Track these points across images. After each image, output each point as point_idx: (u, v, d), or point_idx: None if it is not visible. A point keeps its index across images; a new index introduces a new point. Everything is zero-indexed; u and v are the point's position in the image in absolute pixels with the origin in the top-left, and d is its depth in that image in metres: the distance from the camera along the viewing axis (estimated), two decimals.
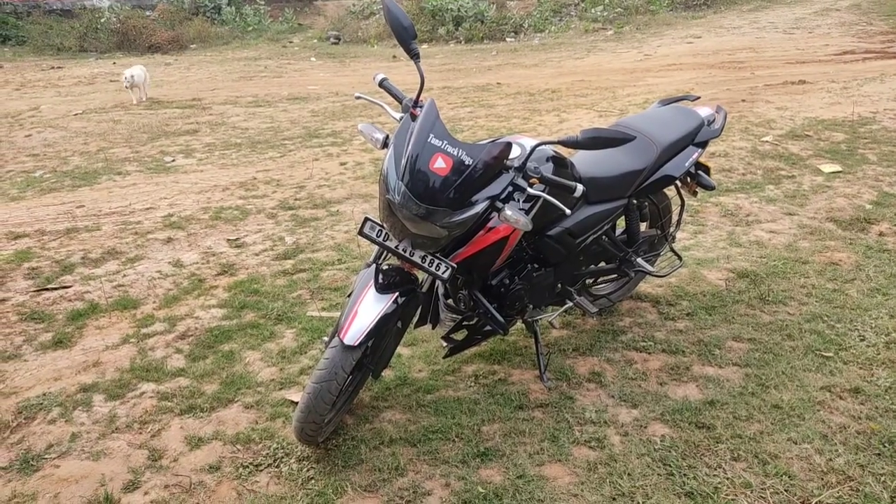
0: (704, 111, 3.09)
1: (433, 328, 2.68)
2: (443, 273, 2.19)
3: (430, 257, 2.18)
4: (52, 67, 14.67)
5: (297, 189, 5.53)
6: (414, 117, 2.19)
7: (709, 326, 3.15)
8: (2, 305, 3.61)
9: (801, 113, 6.89)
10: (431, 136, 2.05)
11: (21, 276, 3.98)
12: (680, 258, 3.18)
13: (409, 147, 2.04)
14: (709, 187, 3.00)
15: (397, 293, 2.23)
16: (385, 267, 2.30)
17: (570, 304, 2.81)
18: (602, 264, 2.95)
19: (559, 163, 2.45)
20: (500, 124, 7.33)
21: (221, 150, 7.08)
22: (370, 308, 2.18)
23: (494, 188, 2.10)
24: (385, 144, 2.22)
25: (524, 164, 2.17)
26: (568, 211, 2.18)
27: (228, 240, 4.49)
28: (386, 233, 2.19)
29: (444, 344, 2.69)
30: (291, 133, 7.66)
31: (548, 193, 2.21)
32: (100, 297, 3.71)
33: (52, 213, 5.18)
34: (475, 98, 9.05)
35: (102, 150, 7.26)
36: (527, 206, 2.32)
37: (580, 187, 2.18)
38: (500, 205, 2.10)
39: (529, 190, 2.16)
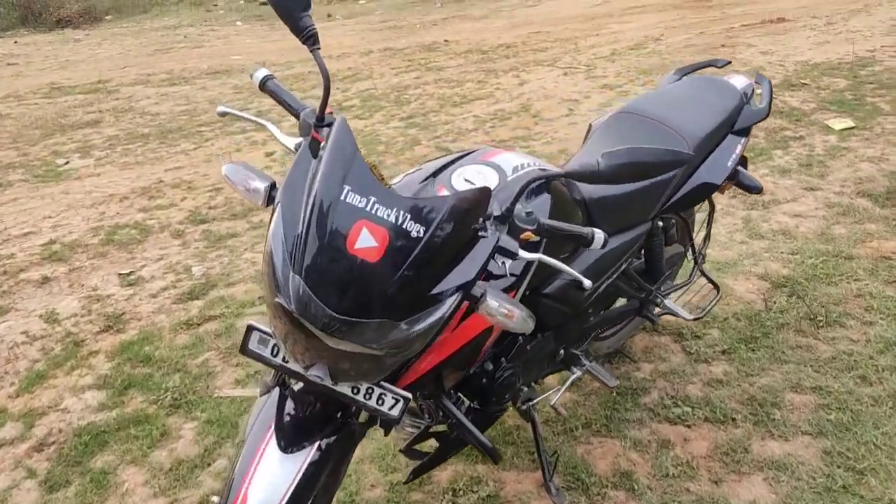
0: (740, 81, 2.22)
1: (385, 434, 1.82)
2: (391, 410, 1.31)
3: (365, 388, 1.30)
4: None
5: (212, 193, 4.52)
6: (316, 147, 1.27)
7: (756, 371, 2.36)
8: None
9: (790, 57, 6.11)
10: (346, 188, 1.14)
11: None
12: (717, 287, 2.35)
13: (310, 210, 1.14)
14: (754, 189, 2.15)
15: (319, 440, 1.36)
16: (293, 391, 1.41)
17: (578, 374, 1.97)
18: (617, 305, 2.12)
19: (554, 189, 1.58)
20: (453, 91, 6.37)
21: (125, 144, 5.96)
22: (277, 473, 1.31)
23: (467, 267, 1.21)
24: (270, 200, 1.31)
25: (511, 208, 1.28)
26: (587, 283, 1.32)
27: (120, 274, 3.51)
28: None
29: (406, 457, 1.84)
30: (210, 117, 6.55)
31: (547, 250, 1.36)
32: None
33: None
34: (421, 60, 8.02)
35: None
36: (515, 272, 1.45)
37: (600, 235, 1.32)
38: (478, 291, 1.22)
39: (524, 254, 1.29)
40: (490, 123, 5.21)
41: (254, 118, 1.45)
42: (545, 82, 6.16)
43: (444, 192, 1.45)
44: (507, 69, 6.95)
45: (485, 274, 1.24)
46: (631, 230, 1.85)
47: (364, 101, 6.34)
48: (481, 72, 7.01)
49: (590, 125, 2.13)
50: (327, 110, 1.36)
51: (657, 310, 2.12)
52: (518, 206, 1.29)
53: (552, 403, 1.92)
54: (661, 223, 1.98)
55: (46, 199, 4.80)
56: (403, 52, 8.59)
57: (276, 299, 1.14)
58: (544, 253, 1.37)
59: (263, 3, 15.60)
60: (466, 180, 1.48)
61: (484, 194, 1.20)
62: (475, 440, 1.59)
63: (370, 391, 1.30)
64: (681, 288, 2.27)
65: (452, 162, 1.57)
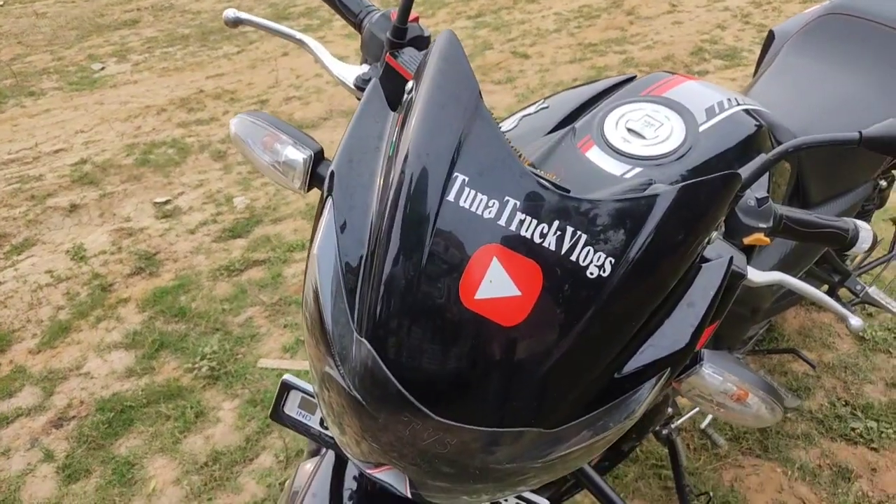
0: None
1: None
2: None
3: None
4: None
5: (256, 106, 4.01)
6: (396, 85, 0.72)
7: None
8: None
9: None
10: (459, 177, 0.59)
11: None
12: None
13: (387, 216, 0.60)
14: None
15: None
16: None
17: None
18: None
19: (763, 146, 0.99)
20: None
21: (164, 47, 5.43)
22: None
23: (682, 320, 0.67)
24: (314, 181, 0.78)
25: (740, 195, 0.72)
26: (856, 322, 0.78)
27: (155, 203, 3.09)
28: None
29: None
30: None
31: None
32: None
33: None
34: None
35: (17, 58, 5.64)
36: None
37: (867, 232, 0.77)
38: (699, 368, 0.70)
39: (757, 276, 0.74)
40: (575, 23, 4.45)
41: (283, 29, 0.91)
42: None
43: (596, 153, 0.88)
44: None
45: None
46: (846, 195, 1.26)
47: None
48: None
49: (770, 32, 1.50)
50: (412, 16, 0.80)
51: (851, 297, 1.55)
52: (748, 197, 0.73)
53: (703, 426, 1.41)
54: (883, 183, 1.37)
55: (80, 111, 4.38)
56: None
57: (327, 369, 0.64)
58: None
59: None
60: (631, 131, 0.90)
61: (729, 185, 0.64)
62: (602, 496, 1.10)
63: None
64: (879, 264, 1.68)
65: (599, 96, 0.99)
